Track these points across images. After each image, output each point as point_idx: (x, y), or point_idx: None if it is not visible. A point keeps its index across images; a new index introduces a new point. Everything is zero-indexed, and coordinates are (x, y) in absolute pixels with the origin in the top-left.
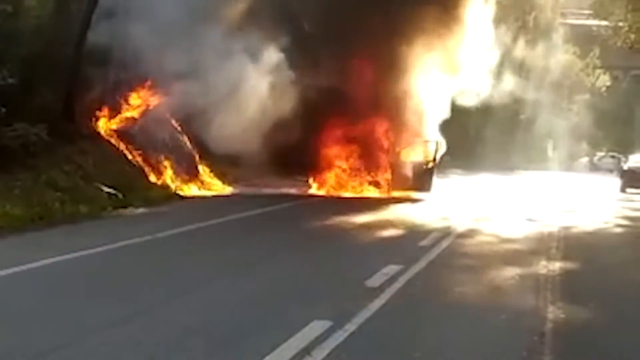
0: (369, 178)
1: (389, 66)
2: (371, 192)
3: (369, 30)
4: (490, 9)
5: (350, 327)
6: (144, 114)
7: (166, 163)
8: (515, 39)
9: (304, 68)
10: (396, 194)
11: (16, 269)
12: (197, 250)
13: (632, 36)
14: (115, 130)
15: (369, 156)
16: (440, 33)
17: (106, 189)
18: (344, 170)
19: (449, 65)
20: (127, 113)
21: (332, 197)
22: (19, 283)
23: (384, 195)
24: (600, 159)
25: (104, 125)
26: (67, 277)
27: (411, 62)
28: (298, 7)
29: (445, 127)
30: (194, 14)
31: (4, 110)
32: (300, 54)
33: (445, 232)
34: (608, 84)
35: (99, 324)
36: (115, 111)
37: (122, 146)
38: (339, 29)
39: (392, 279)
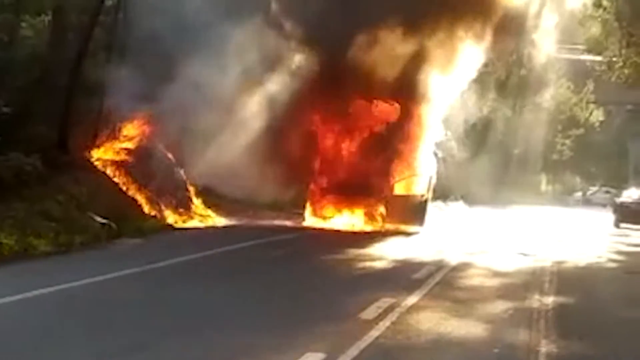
0: (363, 211)
1: (382, 100)
2: (365, 225)
3: (363, 66)
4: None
5: (345, 359)
6: (138, 144)
7: (159, 194)
8: (509, 74)
9: (299, 102)
10: (390, 227)
11: (6, 300)
12: (190, 282)
13: (626, 71)
14: (109, 161)
15: (363, 189)
16: (436, 66)
17: (100, 220)
18: (338, 203)
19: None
20: (122, 144)
21: (326, 229)
22: (9, 314)
23: (377, 229)
24: (593, 193)
25: (98, 155)
26: (56, 309)
27: (404, 96)
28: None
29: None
30: (189, 47)
31: None
32: (294, 90)
33: (439, 265)
34: (602, 119)
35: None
36: (109, 142)
37: (116, 177)
38: (332, 67)
39: (386, 311)
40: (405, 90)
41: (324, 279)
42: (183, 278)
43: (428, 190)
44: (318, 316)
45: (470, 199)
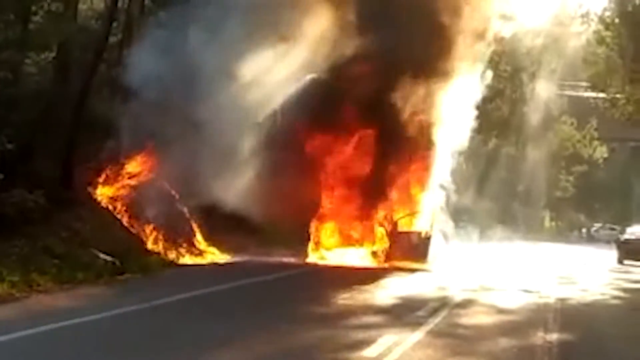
0: (367, 248)
1: (387, 139)
2: (369, 262)
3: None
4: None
5: None
6: (141, 181)
7: (163, 230)
8: (512, 110)
9: (301, 136)
10: (393, 263)
11: (4, 338)
12: (191, 319)
13: (630, 108)
14: (112, 198)
15: (366, 226)
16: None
17: (103, 256)
18: (341, 240)
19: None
20: (125, 180)
21: (328, 266)
22: (9, 352)
23: (381, 265)
24: (597, 230)
25: (102, 192)
26: (55, 347)
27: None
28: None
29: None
30: (193, 83)
31: (1, 176)
32: (297, 124)
33: (442, 302)
34: (605, 155)
35: None
36: (112, 178)
37: (119, 213)
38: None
39: (389, 348)
40: (410, 126)
41: (326, 315)
42: (183, 315)
43: (431, 226)
44: (321, 353)
45: (474, 235)
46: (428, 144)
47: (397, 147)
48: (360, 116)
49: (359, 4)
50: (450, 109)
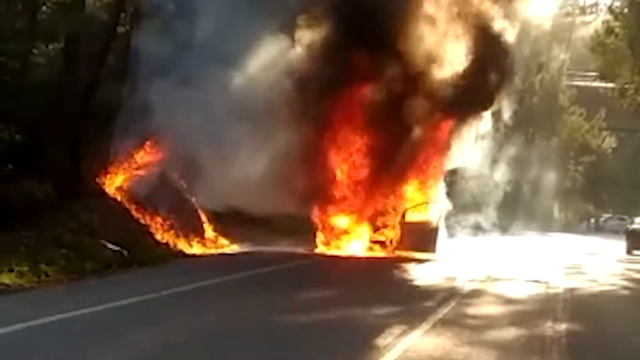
0: (375, 238)
1: (395, 130)
2: (377, 252)
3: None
4: None
5: None
6: (149, 171)
7: (171, 221)
8: (522, 100)
9: (311, 125)
10: (402, 253)
11: (16, 327)
12: (198, 310)
13: (639, 98)
14: (121, 188)
15: (375, 216)
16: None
17: (111, 247)
18: (350, 229)
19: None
20: (134, 170)
21: (337, 256)
22: (18, 341)
23: (389, 255)
24: (606, 220)
25: (110, 182)
26: (65, 337)
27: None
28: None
29: (451, 188)
30: (200, 72)
31: (10, 167)
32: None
33: (451, 293)
34: (614, 145)
35: None
36: (121, 168)
37: (127, 204)
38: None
39: (398, 338)
40: (422, 119)
41: (336, 305)
42: (191, 305)
43: (439, 217)
44: (330, 340)
45: (482, 227)
46: (441, 136)
47: (407, 136)
48: (372, 107)
49: None
50: None
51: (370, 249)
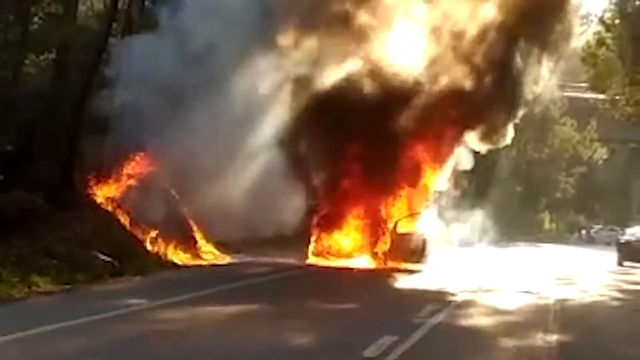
0: (367, 249)
1: (387, 140)
2: (368, 263)
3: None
4: None
5: None
6: (141, 182)
7: (163, 231)
8: None
9: (302, 138)
10: (393, 265)
11: (5, 338)
12: (189, 321)
13: (630, 109)
14: (112, 198)
15: (366, 227)
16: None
17: (102, 257)
18: (340, 240)
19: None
20: (125, 181)
21: (328, 267)
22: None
23: (381, 266)
24: (597, 231)
25: (102, 192)
26: (53, 348)
27: (410, 137)
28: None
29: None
30: (194, 83)
31: (1, 177)
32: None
33: (442, 304)
34: (605, 156)
35: None
36: (113, 179)
37: (119, 214)
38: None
39: (389, 349)
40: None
41: (326, 315)
42: (181, 316)
43: (431, 227)
44: (322, 353)
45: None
46: (431, 148)
47: (400, 147)
48: (365, 118)
49: None
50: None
51: (362, 260)
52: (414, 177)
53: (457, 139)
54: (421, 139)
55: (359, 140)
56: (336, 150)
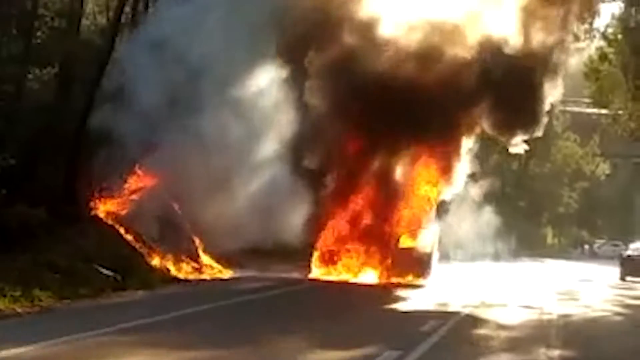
0: (369, 263)
1: (391, 156)
2: (370, 278)
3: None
4: None
5: None
6: (144, 196)
7: (165, 246)
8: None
9: (305, 149)
10: (395, 279)
11: (5, 353)
12: (192, 335)
13: (632, 125)
14: (115, 213)
15: (369, 242)
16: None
17: (105, 271)
18: (344, 255)
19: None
20: (128, 195)
21: (331, 281)
22: None
23: (383, 281)
24: (599, 246)
25: (104, 207)
26: None
27: (413, 153)
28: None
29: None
30: (196, 97)
31: (4, 191)
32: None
33: (445, 318)
34: (608, 172)
35: None
36: (115, 193)
37: (121, 228)
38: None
39: None
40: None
41: (330, 330)
42: (183, 332)
43: (433, 243)
44: None
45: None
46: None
47: (403, 161)
48: (367, 135)
49: None
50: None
51: (364, 275)
52: (417, 191)
53: (461, 150)
54: (425, 152)
55: (366, 152)
56: (343, 163)
